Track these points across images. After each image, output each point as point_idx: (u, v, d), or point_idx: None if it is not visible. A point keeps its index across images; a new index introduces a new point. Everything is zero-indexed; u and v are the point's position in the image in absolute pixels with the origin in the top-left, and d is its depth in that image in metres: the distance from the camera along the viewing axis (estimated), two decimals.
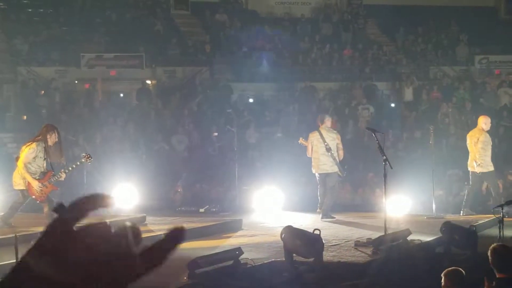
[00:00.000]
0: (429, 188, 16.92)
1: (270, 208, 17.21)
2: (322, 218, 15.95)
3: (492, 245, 8.10)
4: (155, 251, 1.35)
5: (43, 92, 24.92)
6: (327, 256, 11.07)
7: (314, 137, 16.19)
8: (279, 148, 21.89)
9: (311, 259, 10.58)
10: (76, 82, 26.45)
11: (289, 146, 22.09)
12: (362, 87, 27.15)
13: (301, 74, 27.58)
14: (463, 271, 7.70)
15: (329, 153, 15.91)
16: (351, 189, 20.39)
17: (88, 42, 27.15)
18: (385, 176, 13.05)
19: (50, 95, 24.66)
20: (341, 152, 16.18)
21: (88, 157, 13.28)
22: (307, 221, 15.10)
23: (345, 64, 29.06)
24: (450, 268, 7.73)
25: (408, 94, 27.04)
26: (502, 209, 11.67)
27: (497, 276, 7.82)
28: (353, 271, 10.54)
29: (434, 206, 16.73)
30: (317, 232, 10.76)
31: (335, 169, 16.04)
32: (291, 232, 10.71)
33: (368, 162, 19.67)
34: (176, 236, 1.37)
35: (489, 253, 7.96)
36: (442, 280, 7.65)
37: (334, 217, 16.16)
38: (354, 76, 28.02)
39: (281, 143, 22.28)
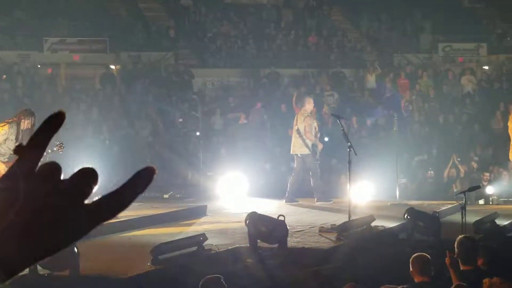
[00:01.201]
0: (393, 175, 17.03)
1: (234, 194, 17.19)
2: (317, 201, 16.42)
3: (459, 237, 8.16)
4: (120, 194, 1.26)
5: (5, 76, 24.60)
6: (291, 242, 11.08)
7: (294, 120, 16.71)
8: (243, 134, 21.87)
9: (276, 245, 10.57)
10: (39, 66, 26.14)
11: (254, 132, 22.10)
12: (329, 74, 27.19)
13: (266, 60, 27.54)
14: (428, 256, 7.76)
15: (299, 135, 16.17)
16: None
17: (51, 26, 26.86)
18: (349, 162, 13.10)
19: (13, 80, 24.36)
20: (308, 135, 16.34)
21: (61, 146, 13.08)
22: (272, 207, 15.09)
23: (310, 50, 29.05)
24: (417, 254, 7.78)
25: (371, 81, 27.12)
26: (465, 195, 11.76)
27: (461, 268, 7.88)
28: (317, 257, 10.55)
29: (398, 192, 16.85)
30: (281, 218, 10.76)
31: (305, 151, 16.26)
32: (256, 218, 10.70)
33: (333, 148, 19.69)
34: (144, 177, 1.28)
35: (455, 245, 8.02)
36: (410, 265, 7.69)
37: (331, 201, 16.50)
38: (318, 63, 28.02)
39: (246, 130, 22.25)
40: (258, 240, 10.58)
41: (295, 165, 16.95)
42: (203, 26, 28.86)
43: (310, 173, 16.48)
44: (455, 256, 7.89)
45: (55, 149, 13.12)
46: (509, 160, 17.20)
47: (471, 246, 8.00)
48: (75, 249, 8.58)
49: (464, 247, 7.94)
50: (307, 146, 16.29)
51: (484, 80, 27.66)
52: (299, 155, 16.48)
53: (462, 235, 8.25)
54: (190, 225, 13.42)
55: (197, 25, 28.81)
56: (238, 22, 29.30)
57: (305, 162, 16.42)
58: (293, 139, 16.63)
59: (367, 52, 29.70)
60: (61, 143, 13.32)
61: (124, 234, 11.93)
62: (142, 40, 27.98)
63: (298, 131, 16.29)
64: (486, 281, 6.73)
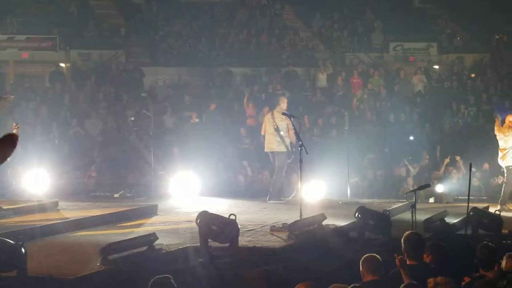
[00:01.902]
0: (345, 173, 17.08)
1: (186, 193, 17.10)
2: (268, 199, 16.45)
3: (406, 233, 8.20)
4: None
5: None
6: (242, 241, 11.02)
7: (266, 117, 16.70)
8: (196, 133, 21.77)
9: (227, 244, 10.52)
10: None
11: (206, 131, 22.00)
12: (282, 73, 27.20)
13: (218, 59, 27.47)
14: (379, 257, 7.78)
15: (277, 133, 16.16)
16: (267, 174, 20.42)
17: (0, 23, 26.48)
18: (300, 161, 13.09)
19: None
20: (291, 132, 16.36)
21: (17, 128, 12.75)
22: (223, 207, 15.02)
23: (262, 49, 29.04)
24: (366, 255, 7.79)
25: (323, 80, 27.20)
26: (415, 194, 11.82)
27: (408, 263, 7.92)
28: (268, 256, 10.51)
29: (349, 191, 16.90)
30: (232, 217, 10.70)
31: (283, 149, 16.27)
32: (207, 218, 10.62)
33: None
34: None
35: (402, 241, 8.06)
36: (360, 265, 7.71)
37: (283, 200, 16.49)
38: (271, 62, 28.03)
39: (198, 128, 22.16)
40: (209, 240, 10.51)
41: (272, 162, 16.98)
42: (155, 25, 28.70)
43: (276, 170, 16.46)
44: (402, 251, 7.94)
45: (14, 131, 12.87)
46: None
47: (417, 241, 8.06)
48: (23, 250, 8.44)
49: (411, 243, 8.00)
50: (285, 144, 16.31)
51: (434, 79, 27.94)
52: (275, 152, 16.44)
53: (409, 231, 8.29)
54: (140, 224, 13.29)
55: (149, 24, 28.64)
56: (190, 20, 29.17)
57: (278, 159, 16.38)
58: (268, 136, 16.50)
59: (319, 51, 29.79)
60: (17, 124, 13.07)
61: (74, 234, 11.77)
62: (93, 38, 27.74)
63: (276, 129, 16.26)
64: (430, 280, 6.76)
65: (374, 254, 7.84)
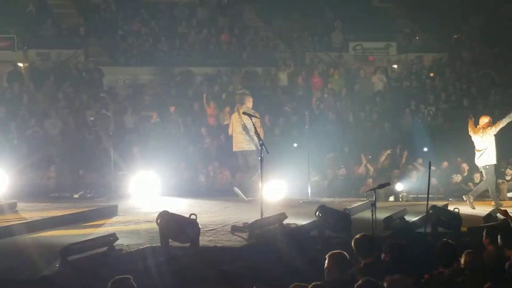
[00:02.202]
0: (305, 172, 17.13)
1: (146, 194, 17.01)
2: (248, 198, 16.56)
3: (355, 237, 8.26)
4: None
5: None
6: (203, 241, 11.01)
7: (234, 117, 16.65)
8: (156, 133, 21.69)
9: (187, 244, 10.49)
10: None
11: (167, 131, 21.93)
12: (242, 73, 27.18)
13: (178, 58, 27.37)
14: (347, 255, 7.80)
15: (245, 132, 16.14)
16: (229, 174, 20.42)
17: None
18: (261, 160, 13.11)
19: None
20: (260, 130, 16.37)
21: None
22: (184, 206, 14.99)
23: (223, 49, 29.00)
24: (335, 251, 7.81)
25: (283, 79, 27.24)
26: (375, 192, 11.90)
27: (363, 262, 7.97)
28: (229, 255, 10.51)
29: (309, 190, 16.94)
30: (193, 217, 10.67)
31: (252, 147, 16.26)
32: (167, 217, 10.58)
33: None
34: None
35: (352, 245, 8.11)
36: (326, 261, 7.71)
37: (246, 199, 16.55)
38: (231, 61, 27.99)
39: (158, 128, 22.07)
40: (170, 240, 10.47)
41: (240, 160, 16.96)
42: (114, 24, 28.50)
43: (251, 169, 16.39)
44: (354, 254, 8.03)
45: None
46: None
47: (366, 242, 8.13)
48: None
49: (360, 245, 8.07)
50: (254, 142, 16.29)
51: (393, 78, 28.13)
52: (244, 151, 16.40)
53: (358, 235, 8.35)
54: (100, 225, 13.20)
55: (108, 23, 28.43)
56: (149, 20, 29.01)
57: (251, 158, 16.33)
58: (237, 136, 16.54)
59: (279, 50, 29.82)
60: None
61: (32, 235, 11.65)
62: (51, 37, 27.46)
63: (244, 127, 16.25)
64: (388, 278, 6.80)
65: (343, 251, 7.87)
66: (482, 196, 17.94)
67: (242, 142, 16.47)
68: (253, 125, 15.39)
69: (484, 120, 16.43)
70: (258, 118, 16.50)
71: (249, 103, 16.77)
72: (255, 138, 16.20)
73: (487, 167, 16.35)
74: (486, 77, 27.91)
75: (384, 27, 30.97)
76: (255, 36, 30.04)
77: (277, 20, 31.05)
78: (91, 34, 27.87)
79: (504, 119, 16.20)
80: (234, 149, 16.95)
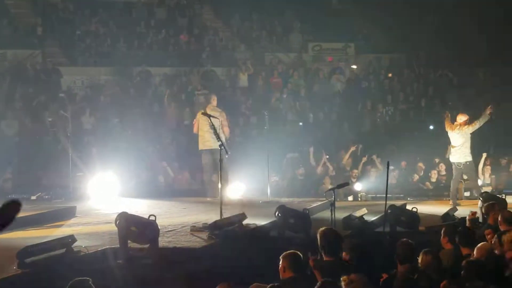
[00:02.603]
0: (265, 173, 17.15)
1: (105, 195, 16.91)
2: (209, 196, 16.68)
3: (321, 229, 8.25)
4: None
5: None
6: (163, 242, 10.97)
7: (200, 115, 16.57)
8: (115, 133, 21.56)
9: (146, 246, 10.44)
10: None
11: (125, 131, 21.82)
12: (200, 73, 27.14)
13: (137, 59, 27.23)
14: (301, 254, 7.81)
15: (212, 130, 16.08)
16: (188, 174, 20.39)
17: None
18: (221, 161, 13.14)
19: None
20: (226, 129, 16.56)
21: None
22: (143, 207, 14.93)
23: (181, 49, 28.92)
24: (289, 251, 7.82)
25: (244, 80, 27.26)
26: (334, 192, 11.95)
27: (325, 259, 7.98)
28: (189, 256, 10.49)
29: (269, 190, 16.96)
30: (152, 218, 10.63)
31: (217, 145, 16.18)
32: (126, 219, 10.53)
33: None
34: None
35: (318, 236, 8.11)
36: (281, 262, 7.72)
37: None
38: (190, 62, 27.92)
39: (117, 129, 21.95)
40: (129, 241, 10.42)
41: (206, 159, 16.92)
42: (72, 24, 28.25)
43: (216, 167, 16.37)
44: (318, 248, 8.01)
45: None
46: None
47: (333, 237, 8.12)
48: None
49: (327, 238, 8.05)
50: (220, 140, 16.26)
51: (352, 79, 28.28)
52: (212, 149, 16.35)
53: (324, 227, 8.35)
54: (58, 226, 13.10)
55: (66, 23, 28.18)
56: (107, 20, 28.83)
57: (216, 157, 16.24)
58: (204, 134, 16.53)
59: (239, 51, 29.80)
60: None
61: None
62: (8, 37, 27.12)
63: (211, 126, 16.20)
64: (345, 278, 6.83)
65: (296, 251, 7.88)
66: (440, 196, 18.17)
67: (209, 141, 16.46)
68: (220, 124, 15.59)
69: (462, 118, 16.56)
70: (223, 117, 16.59)
71: (214, 101, 16.90)
72: (222, 136, 16.30)
73: (467, 163, 16.54)
74: (443, 77, 28.20)
75: (343, 28, 31.10)
76: (214, 37, 30.00)
77: (236, 20, 31.04)
78: (49, 34, 27.60)
79: (480, 119, 16.33)
80: (201, 147, 16.94)
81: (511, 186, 19.41)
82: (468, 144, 16.46)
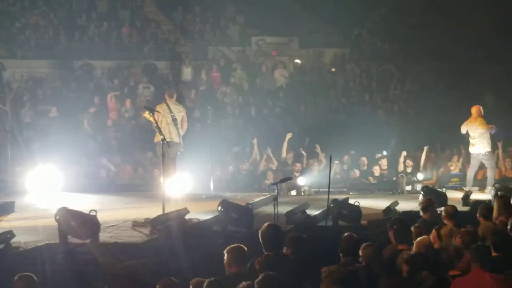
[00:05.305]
0: (208, 167, 17.08)
1: (45, 189, 16.63)
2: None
3: (264, 225, 8.26)
4: None
5: None
6: (104, 237, 10.85)
7: (161, 108, 16.12)
8: (55, 127, 21.27)
9: (87, 241, 10.32)
10: None
11: (66, 125, 21.54)
12: (141, 66, 26.93)
13: (78, 51, 26.90)
14: (245, 248, 7.80)
15: (175, 124, 15.94)
16: (131, 169, 20.22)
17: None
18: (163, 155, 13.06)
19: None
20: (185, 124, 16.42)
21: None
22: (85, 202, 14.72)
23: (124, 42, 28.65)
24: (232, 245, 7.80)
25: (187, 73, 27.13)
26: (277, 186, 11.93)
27: (265, 253, 8.00)
28: (131, 251, 10.40)
29: (212, 185, 16.90)
30: (93, 213, 10.52)
31: (178, 140, 16.06)
32: (66, 214, 10.39)
33: (147, 142, 19.50)
34: None
35: (259, 233, 8.12)
36: (225, 257, 7.70)
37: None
38: (132, 55, 27.69)
39: (58, 123, 21.66)
40: (69, 236, 10.28)
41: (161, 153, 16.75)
42: (11, 16, 27.76)
43: (171, 160, 16.19)
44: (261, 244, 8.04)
45: None
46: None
47: (273, 232, 8.14)
48: None
49: (266, 234, 8.08)
50: (180, 135, 16.20)
51: (296, 73, 28.36)
52: (171, 142, 16.16)
53: (267, 223, 8.36)
54: None
55: (5, 15, 27.67)
56: (47, 12, 28.38)
57: (173, 149, 16.06)
58: (167, 126, 16.06)
59: (181, 44, 29.63)
60: None
61: None
62: None
63: (174, 119, 16.08)
64: (325, 269, 6.88)
65: (241, 245, 7.86)
66: (382, 190, 18.30)
67: (172, 133, 16.23)
68: (181, 119, 15.54)
69: (474, 109, 17.47)
70: (185, 112, 16.51)
71: (175, 95, 16.77)
72: (181, 131, 16.24)
73: (487, 153, 17.38)
74: (386, 72, 28.44)
75: (287, 21, 31.13)
76: (157, 30, 29.77)
77: (178, 13, 30.81)
78: None
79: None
80: (159, 139, 16.71)
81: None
82: (487, 135, 17.30)
